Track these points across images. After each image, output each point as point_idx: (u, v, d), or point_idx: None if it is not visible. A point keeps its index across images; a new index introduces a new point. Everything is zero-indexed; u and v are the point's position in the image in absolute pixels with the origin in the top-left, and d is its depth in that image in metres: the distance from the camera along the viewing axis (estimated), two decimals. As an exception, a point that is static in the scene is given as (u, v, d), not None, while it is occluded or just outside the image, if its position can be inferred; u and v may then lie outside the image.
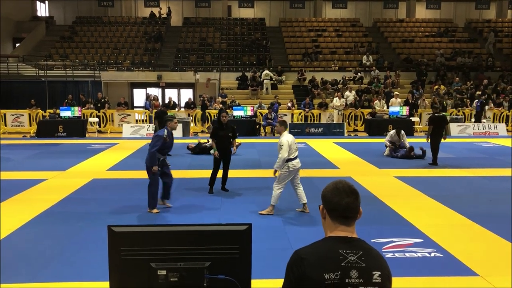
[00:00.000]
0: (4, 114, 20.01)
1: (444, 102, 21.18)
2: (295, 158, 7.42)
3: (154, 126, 14.26)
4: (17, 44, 30.48)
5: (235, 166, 11.43)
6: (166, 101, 22.28)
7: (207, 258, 2.60)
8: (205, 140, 14.02)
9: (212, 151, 9.18)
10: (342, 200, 1.98)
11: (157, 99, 22.21)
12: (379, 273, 1.92)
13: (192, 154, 13.67)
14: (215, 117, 16.30)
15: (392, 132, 13.67)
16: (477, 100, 20.62)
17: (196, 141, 14.49)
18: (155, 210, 7.53)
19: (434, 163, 11.93)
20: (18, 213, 7.51)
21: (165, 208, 7.84)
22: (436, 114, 12.18)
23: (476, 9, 34.70)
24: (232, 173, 10.00)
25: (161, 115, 13.46)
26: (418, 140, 15.13)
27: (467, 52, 27.71)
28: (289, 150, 7.29)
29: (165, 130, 7.49)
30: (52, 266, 5.33)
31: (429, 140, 11.98)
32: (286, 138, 7.37)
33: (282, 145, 7.30)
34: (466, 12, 35.92)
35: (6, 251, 5.83)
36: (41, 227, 6.87)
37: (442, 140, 11.94)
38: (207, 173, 9.36)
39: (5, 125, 19.97)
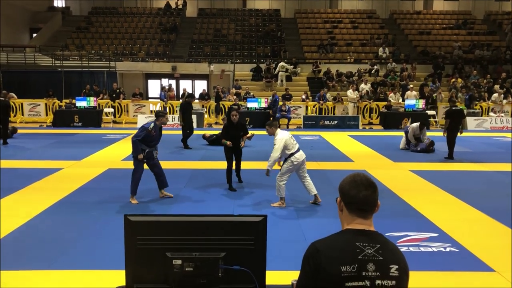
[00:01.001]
0: (21, 104, 20.26)
1: (459, 96, 20.89)
2: (297, 151, 7.38)
3: (178, 117, 14.28)
4: (34, 35, 30.80)
5: (249, 158, 11.44)
6: (181, 92, 22.35)
7: (222, 248, 2.60)
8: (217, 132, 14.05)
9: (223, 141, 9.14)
10: (360, 193, 1.97)
11: (173, 90, 22.27)
12: (397, 266, 1.90)
13: (207, 145, 13.68)
14: (228, 109, 16.33)
15: (415, 125, 13.40)
16: (466, 94, 20.17)
17: (212, 132, 14.52)
18: (134, 201, 7.54)
19: (450, 157, 11.79)
20: (35, 201, 7.62)
21: (168, 198, 7.86)
22: (453, 108, 12.00)
23: (495, 0, 34.05)
24: (245, 165, 9.99)
25: (186, 106, 13.50)
26: (435, 134, 14.95)
27: (486, 45, 27.24)
28: (286, 147, 7.24)
29: (152, 124, 7.53)
30: (69, 254, 5.39)
31: (445, 134, 11.83)
32: (281, 135, 7.32)
33: (275, 144, 7.28)
34: (485, 4, 35.24)
35: (24, 238, 5.92)
36: (58, 215, 6.96)
37: (459, 134, 11.79)
38: (220, 165, 9.36)
39: (22, 115, 20.22)
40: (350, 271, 1.86)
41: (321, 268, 1.89)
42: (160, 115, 7.68)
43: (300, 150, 7.46)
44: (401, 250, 5.97)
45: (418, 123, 13.30)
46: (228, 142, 8.61)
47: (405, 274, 1.93)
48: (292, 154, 7.33)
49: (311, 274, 1.92)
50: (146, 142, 7.54)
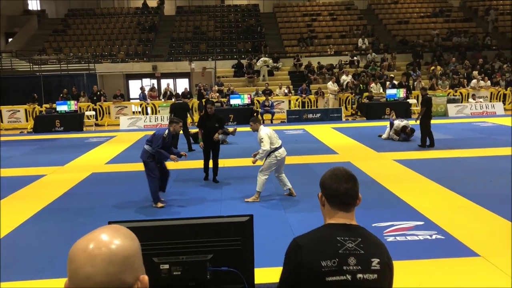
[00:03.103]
0: (0, 111, 19.91)
1: (440, 83, 21.14)
2: (280, 147, 7.58)
3: (168, 117, 13.89)
4: (10, 39, 30.23)
5: (233, 155, 11.44)
6: (162, 91, 22.20)
7: (209, 250, 2.60)
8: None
9: (199, 141, 9.42)
10: (341, 186, 1.96)
11: (155, 90, 22.08)
12: (378, 260, 1.89)
13: (192, 143, 13.60)
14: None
15: (400, 125, 13.21)
16: (389, 83, 20.32)
17: (196, 130, 14.44)
18: (160, 204, 7.43)
19: (422, 145, 11.85)
20: (19, 210, 7.50)
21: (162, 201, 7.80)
22: (428, 96, 12.21)
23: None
24: (230, 162, 10.01)
25: (182, 108, 13.28)
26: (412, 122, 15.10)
27: (463, 32, 27.57)
28: (271, 141, 7.43)
29: (166, 131, 7.48)
30: (55, 263, 5.33)
31: (418, 122, 12.00)
32: (265, 131, 7.52)
33: (262, 138, 7.43)
34: (460, -9, 35.58)
35: (9, 248, 5.83)
36: (42, 223, 6.88)
37: (416, 122, 12.00)
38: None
39: (2, 122, 19.88)
40: (330, 265, 1.86)
41: (302, 263, 1.89)
42: (174, 122, 7.68)
43: (282, 147, 7.61)
44: (387, 240, 5.99)
45: (403, 124, 13.20)
46: (201, 143, 9.11)
47: (387, 267, 1.92)
48: (276, 149, 7.49)
49: (293, 269, 1.93)
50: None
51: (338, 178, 1.98)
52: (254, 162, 7.78)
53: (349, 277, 1.86)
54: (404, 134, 12.99)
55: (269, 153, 7.51)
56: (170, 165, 10.80)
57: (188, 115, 13.51)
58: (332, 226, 1.97)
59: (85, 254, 1.10)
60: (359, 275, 1.86)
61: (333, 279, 1.86)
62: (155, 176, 7.40)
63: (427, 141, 11.91)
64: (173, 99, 20.22)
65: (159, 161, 7.59)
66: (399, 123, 13.23)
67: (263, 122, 18.81)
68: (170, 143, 7.67)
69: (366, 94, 19.91)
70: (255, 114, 18.88)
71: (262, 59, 24.35)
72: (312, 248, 1.91)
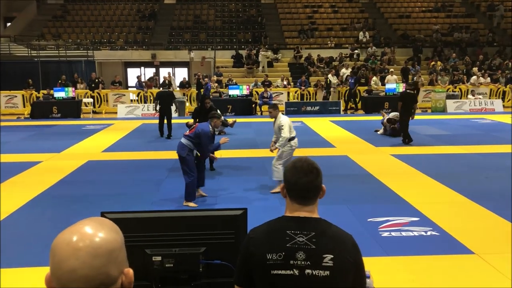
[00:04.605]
0: (-3, 96, 19.81)
1: (439, 79, 21.10)
2: (295, 137, 7.60)
3: (154, 106, 13.80)
4: (8, 24, 30.00)
5: (232, 146, 11.39)
6: (161, 80, 22.07)
7: (202, 243, 2.59)
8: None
9: None
10: (300, 179, 1.88)
11: (153, 80, 21.93)
12: (331, 256, 1.78)
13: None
14: (212, 96, 16.22)
15: (391, 114, 13.36)
16: (350, 77, 20.22)
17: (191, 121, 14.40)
18: (192, 204, 6.97)
19: (404, 141, 11.80)
20: (14, 196, 7.48)
21: (202, 196, 7.46)
22: (407, 91, 12.09)
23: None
24: (229, 153, 9.98)
25: (168, 97, 13.29)
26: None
27: (464, 28, 27.46)
28: (290, 129, 7.45)
29: (210, 127, 7.12)
30: (49, 250, 5.31)
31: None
32: (284, 118, 7.53)
33: (283, 125, 7.40)
34: (463, -14, 35.40)
35: (2, 235, 5.81)
36: (37, 210, 6.85)
37: (410, 119, 11.79)
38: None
39: (-1, 107, 19.78)
40: (276, 258, 1.81)
41: (250, 254, 1.87)
42: (215, 117, 7.28)
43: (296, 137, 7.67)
44: (382, 235, 5.93)
45: (389, 116, 13.18)
46: None
47: (347, 264, 1.80)
48: (292, 138, 7.53)
49: (243, 260, 1.92)
50: (198, 145, 7.09)
51: (297, 171, 1.90)
52: (272, 151, 7.68)
53: (296, 272, 1.79)
54: (390, 130, 12.89)
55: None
56: (165, 154, 10.80)
57: (173, 103, 13.46)
58: (286, 219, 1.91)
59: (68, 247, 1.08)
60: (308, 271, 1.79)
61: (278, 273, 1.80)
62: (194, 175, 6.93)
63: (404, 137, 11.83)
64: (171, 88, 20.14)
65: (196, 156, 7.29)
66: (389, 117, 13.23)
67: (262, 114, 18.77)
68: (214, 138, 7.43)
69: (365, 88, 19.86)
70: (253, 106, 18.84)
71: (262, 53, 24.18)
72: (260, 240, 1.88)
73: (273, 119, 7.73)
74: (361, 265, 1.86)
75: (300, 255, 1.80)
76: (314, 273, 1.78)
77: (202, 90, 19.89)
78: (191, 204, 6.95)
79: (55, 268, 1.08)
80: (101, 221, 1.16)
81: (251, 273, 1.88)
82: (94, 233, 1.11)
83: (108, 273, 1.09)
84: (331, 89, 20.07)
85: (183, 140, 7.01)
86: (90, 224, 1.13)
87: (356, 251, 1.85)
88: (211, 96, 15.67)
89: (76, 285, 1.06)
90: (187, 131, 7.22)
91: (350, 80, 19.87)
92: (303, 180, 1.88)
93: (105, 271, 1.08)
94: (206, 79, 20.06)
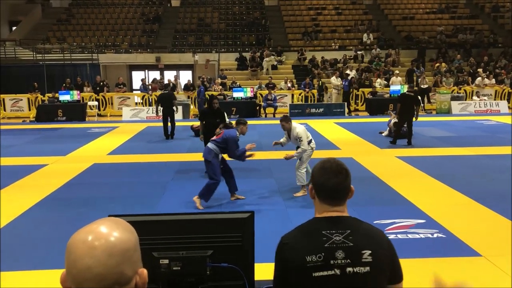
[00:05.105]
0: (3, 99, 19.91)
1: (444, 80, 21.04)
2: (312, 139, 7.63)
3: (156, 109, 14.18)
4: (14, 28, 30.18)
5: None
6: (166, 83, 22.13)
7: (209, 246, 2.58)
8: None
9: (200, 133, 9.43)
10: (329, 180, 1.88)
11: (156, 82, 22.01)
12: (370, 251, 1.80)
13: (194, 136, 13.58)
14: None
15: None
16: (344, 79, 20.21)
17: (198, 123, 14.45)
18: (198, 202, 6.98)
19: (394, 142, 11.87)
20: (20, 199, 7.51)
21: (239, 199, 7.43)
22: (407, 93, 12.14)
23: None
24: (233, 156, 9.95)
25: (168, 98, 13.43)
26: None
27: (469, 29, 27.39)
28: (307, 135, 7.46)
29: (237, 133, 7.22)
30: (57, 253, 5.32)
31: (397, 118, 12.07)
32: (300, 128, 7.44)
33: (301, 137, 7.32)
34: (467, -13, 35.31)
35: (9, 238, 5.83)
36: (43, 213, 6.88)
37: (414, 120, 11.81)
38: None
39: (4, 110, 19.88)
40: (316, 260, 1.79)
41: (288, 260, 1.85)
42: (241, 123, 7.39)
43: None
44: (388, 237, 5.92)
45: (395, 120, 13.16)
46: (201, 136, 9.15)
47: (384, 258, 1.82)
48: (311, 141, 7.55)
49: (281, 268, 1.89)
50: (222, 149, 7.13)
51: (327, 172, 1.90)
52: (288, 159, 7.56)
53: (337, 271, 1.78)
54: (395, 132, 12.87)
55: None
56: (172, 157, 10.80)
57: (176, 105, 13.65)
58: (319, 220, 1.91)
59: (84, 246, 1.09)
60: (349, 269, 1.78)
61: (320, 274, 1.79)
62: (218, 180, 7.00)
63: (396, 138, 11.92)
64: (175, 91, 20.21)
65: (222, 161, 7.32)
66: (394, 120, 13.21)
67: (266, 116, 18.78)
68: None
69: (369, 89, 19.84)
70: (257, 108, 18.86)
71: (266, 59, 24.12)
72: (296, 244, 1.86)
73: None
74: (397, 258, 1.89)
75: (340, 254, 1.79)
76: (355, 270, 1.79)
77: (206, 92, 19.93)
78: (198, 202, 6.96)
79: (71, 267, 1.09)
80: (116, 221, 1.18)
81: (290, 279, 1.85)
82: (109, 232, 1.12)
83: (122, 272, 1.10)
84: (335, 91, 20.05)
85: (210, 145, 7.09)
86: (106, 224, 1.15)
87: (390, 247, 1.88)
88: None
89: (91, 283, 1.07)
90: (214, 136, 7.25)
91: (344, 83, 19.87)
92: (333, 181, 1.88)
93: (119, 270, 1.09)
94: (199, 81, 20.13)
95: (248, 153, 7.15)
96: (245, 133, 7.47)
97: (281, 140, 7.82)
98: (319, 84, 20.41)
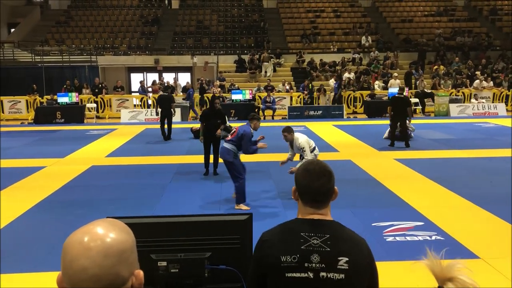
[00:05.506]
0: (1, 101, 19.88)
1: (442, 83, 21.08)
2: (315, 147, 7.69)
3: (156, 110, 14.42)
4: (12, 30, 30.16)
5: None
6: (166, 85, 22.12)
7: (207, 248, 2.58)
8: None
9: (200, 135, 9.41)
10: (313, 183, 1.87)
11: (155, 83, 22.01)
12: (346, 259, 1.77)
13: (193, 138, 13.57)
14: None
15: None
16: (335, 82, 20.19)
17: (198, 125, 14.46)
18: (244, 207, 6.93)
19: (392, 144, 11.92)
20: (19, 201, 7.50)
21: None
22: (397, 95, 12.22)
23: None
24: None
25: (167, 100, 13.51)
26: (419, 122, 15.07)
27: (467, 32, 27.46)
28: (309, 143, 7.47)
29: (250, 129, 7.24)
30: (53, 255, 5.31)
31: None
32: (303, 138, 7.47)
33: (304, 148, 7.32)
34: (465, -10, 35.39)
35: (8, 239, 5.82)
36: (42, 215, 6.87)
37: (408, 121, 11.93)
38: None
39: (2, 112, 19.85)
40: (290, 261, 1.79)
41: (263, 257, 1.86)
42: (255, 118, 7.37)
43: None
44: (387, 240, 5.90)
45: None
46: (201, 138, 9.13)
47: (359, 267, 1.79)
48: (314, 148, 7.60)
49: (256, 264, 1.90)
50: (239, 146, 7.16)
51: (310, 175, 1.89)
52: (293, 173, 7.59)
53: (310, 274, 1.78)
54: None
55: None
56: (169, 159, 10.80)
57: (173, 107, 13.75)
58: (299, 221, 1.90)
59: (80, 246, 1.09)
60: (323, 274, 1.77)
61: (293, 276, 1.79)
62: (243, 177, 6.99)
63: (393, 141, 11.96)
64: (174, 94, 20.19)
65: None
66: None
67: (264, 118, 18.79)
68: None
69: (368, 92, 19.86)
70: (256, 110, 18.85)
71: (264, 63, 24.10)
72: (274, 242, 1.86)
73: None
74: (375, 269, 1.87)
75: (315, 258, 1.78)
76: (329, 276, 1.77)
77: (205, 94, 19.94)
78: (244, 207, 6.90)
79: (66, 267, 1.10)
80: (113, 222, 1.18)
81: (265, 277, 1.86)
82: (106, 233, 1.12)
83: (118, 273, 1.10)
84: (331, 93, 20.07)
85: (227, 145, 7.07)
86: (102, 225, 1.15)
87: (370, 255, 1.86)
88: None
89: (87, 284, 1.07)
90: (229, 136, 7.24)
91: (334, 85, 19.86)
92: (316, 183, 1.87)
93: (115, 271, 1.09)
94: (187, 84, 20.22)
95: (259, 144, 7.20)
96: (257, 128, 7.45)
97: (287, 156, 7.80)
98: (309, 87, 20.46)
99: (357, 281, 1.79)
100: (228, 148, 7.04)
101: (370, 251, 1.86)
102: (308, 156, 7.30)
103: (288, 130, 7.58)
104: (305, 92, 20.40)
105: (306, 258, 1.79)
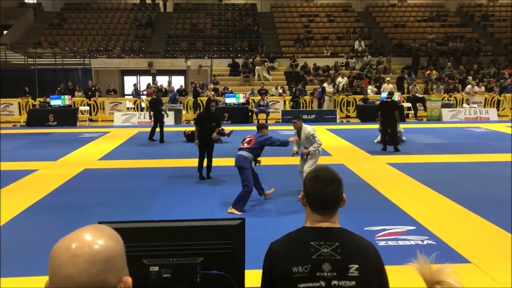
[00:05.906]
0: (-7, 103, 19.75)
1: (434, 88, 21.22)
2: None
3: (149, 114, 14.50)
4: (5, 32, 29.99)
5: (227, 154, 11.38)
6: (158, 88, 22.09)
7: (199, 253, 2.58)
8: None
9: (195, 138, 9.36)
10: (322, 190, 1.88)
11: (150, 87, 21.97)
12: (357, 266, 1.79)
13: (185, 142, 13.55)
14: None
15: None
16: (319, 86, 20.35)
17: (192, 128, 14.44)
18: (236, 211, 6.96)
19: (384, 149, 11.99)
20: (10, 204, 7.43)
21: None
22: (385, 100, 12.33)
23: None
24: (224, 161, 9.97)
25: (155, 103, 13.58)
26: (412, 126, 15.15)
27: (459, 37, 27.69)
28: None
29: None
30: (44, 259, 5.28)
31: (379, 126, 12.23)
32: (310, 127, 7.81)
33: (313, 134, 7.65)
34: (457, -4, 35.71)
35: (-2, 244, 5.78)
36: (33, 218, 6.82)
37: (398, 125, 12.06)
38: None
39: (-5, 114, 19.71)
40: (302, 271, 1.79)
41: (275, 269, 1.85)
42: (264, 127, 7.66)
43: None
44: (379, 244, 5.92)
45: None
46: (196, 141, 9.04)
47: (371, 273, 1.81)
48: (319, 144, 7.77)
49: (268, 275, 1.90)
50: (258, 155, 7.45)
51: (319, 181, 1.89)
52: (305, 154, 7.81)
53: (323, 283, 1.78)
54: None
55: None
56: (162, 162, 10.77)
57: (162, 110, 13.75)
58: (308, 230, 1.90)
59: (67, 254, 1.09)
60: (334, 282, 1.78)
61: (305, 286, 1.79)
62: (251, 187, 7.07)
63: (386, 145, 12.04)
64: (167, 97, 20.17)
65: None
66: None
67: (258, 122, 18.79)
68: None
69: (361, 96, 19.95)
70: (250, 114, 18.88)
71: (257, 67, 24.13)
72: (284, 253, 1.86)
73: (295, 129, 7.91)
74: (385, 272, 1.89)
75: (326, 267, 1.79)
76: (340, 284, 1.79)
77: (198, 98, 19.92)
78: (236, 212, 6.96)
79: (54, 274, 1.09)
80: (101, 229, 1.17)
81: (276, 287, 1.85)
82: (93, 240, 1.12)
83: (105, 281, 1.10)
84: (327, 97, 20.14)
85: (244, 153, 7.16)
86: (90, 231, 1.14)
87: (378, 259, 1.88)
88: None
89: None
90: (245, 144, 7.31)
91: (318, 90, 19.95)
92: (325, 190, 1.88)
93: (102, 278, 1.09)
94: (172, 86, 20.29)
95: (291, 139, 7.63)
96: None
97: (294, 148, 8.01)
98: (294, 91, 20.55)
99: (367, 286, 1.82)
100: (245, 156, 7.17)
101: (378, 255, 1.88)
102: (320, 140, 7.67)
103: (298, 118, 7.96)
104: (299, 96, 20.44)
105: (318, 267, 1.80)
